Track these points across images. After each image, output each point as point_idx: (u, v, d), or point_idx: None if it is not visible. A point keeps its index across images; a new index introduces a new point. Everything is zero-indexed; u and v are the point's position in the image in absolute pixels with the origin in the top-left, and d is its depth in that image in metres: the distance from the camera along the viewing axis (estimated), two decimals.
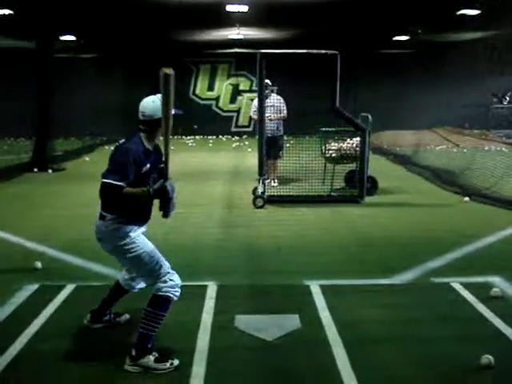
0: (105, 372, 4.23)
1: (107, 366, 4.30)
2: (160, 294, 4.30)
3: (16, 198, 11.23)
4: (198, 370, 4.22)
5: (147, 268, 4.34)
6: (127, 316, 5.08)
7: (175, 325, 4.91)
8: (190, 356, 4.40)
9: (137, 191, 4.17)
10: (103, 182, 4.14)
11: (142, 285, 4.80)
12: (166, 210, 4.21)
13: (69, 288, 5.92)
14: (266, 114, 10.99)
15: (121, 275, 4.89)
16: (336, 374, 4.18)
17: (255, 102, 11.79)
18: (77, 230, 8.34)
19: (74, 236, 8.05)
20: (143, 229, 4.53)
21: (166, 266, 4.39)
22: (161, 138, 4.32)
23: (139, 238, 4.37)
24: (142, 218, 4.47)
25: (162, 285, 4.30)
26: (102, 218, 4.35)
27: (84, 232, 8.29)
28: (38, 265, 6.55)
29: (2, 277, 6.38)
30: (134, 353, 4.23)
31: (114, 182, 4.11)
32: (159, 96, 4.18)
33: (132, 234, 4.32)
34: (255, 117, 11.65)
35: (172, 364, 4.26)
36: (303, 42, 15.15)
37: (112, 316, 5.01)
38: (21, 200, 11.04)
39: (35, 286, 5.98)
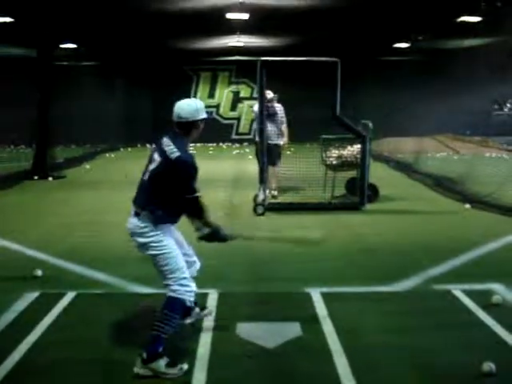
0: (105, 381, 4.21)
1: (107, 376, 4.28)
2: (175, 295, 4.39)
3: (16, 206, 11.23)
4: (199, 376, 4.21)
5: (168, 268, 4.41)
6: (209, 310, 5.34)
7: (176, 332, 4.89)
8: (191, 363, 4.38)
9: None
10: (196, 197, 4.46)
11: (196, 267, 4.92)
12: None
13: (69, 296, 5.91)
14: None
15: None
16: (337, 381, 4.16)
17: (255, 107, 11.67)
18: (77, 238, 8.34)
19: (75, 244, 8.05)
20: (172, 227, 4.64)
21: (186, 272, 4.50)
22: None
23: (167, 239, 4.45)
24: (175, 218, 4.61)
25: (178, 287, 4.39)
26: (136, 215, 4.44)
27: (84, 239, 8.32)
28: (39, 272, 6.53)
29: (2, 285, 6.36)
30: (145, 356, 4.22)
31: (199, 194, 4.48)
32: (194, 99, 4.70)
33: (160, 233, 4.42)
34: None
35: (181, 369, 4.27)
36: (303, 49, 15.16)
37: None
38: (21, 208, 11.04)
39: (35, 294, 5.96)
